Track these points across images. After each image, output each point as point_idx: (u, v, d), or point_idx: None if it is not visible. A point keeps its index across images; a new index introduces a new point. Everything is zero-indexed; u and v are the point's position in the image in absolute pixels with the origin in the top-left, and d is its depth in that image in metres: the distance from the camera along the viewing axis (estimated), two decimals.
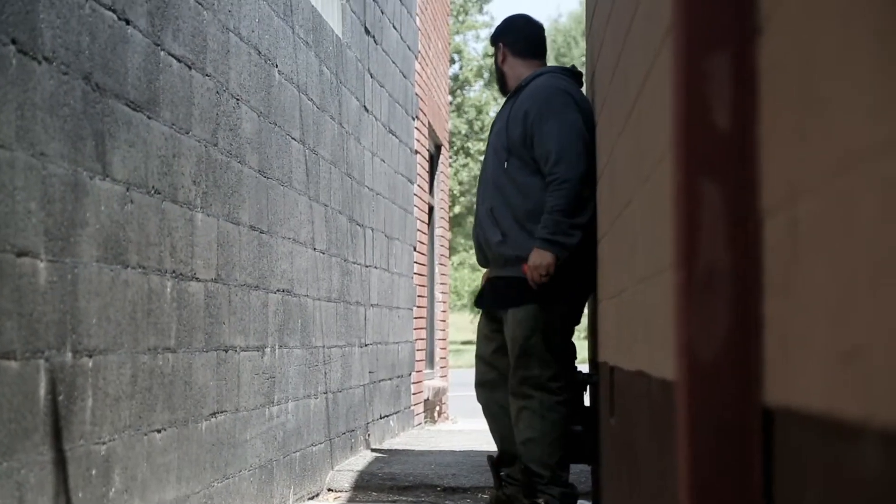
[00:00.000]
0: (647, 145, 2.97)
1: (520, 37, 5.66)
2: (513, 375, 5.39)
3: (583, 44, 49.80)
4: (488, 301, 5.53)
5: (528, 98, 5.42)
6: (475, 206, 5.64)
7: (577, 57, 51.50)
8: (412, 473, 6.85)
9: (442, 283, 12.53)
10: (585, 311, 5.64)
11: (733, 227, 1.77)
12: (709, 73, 1.79)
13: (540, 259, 5.21)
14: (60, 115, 3.24)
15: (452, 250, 41.27)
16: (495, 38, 5.75)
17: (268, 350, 5.42)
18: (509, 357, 5.42)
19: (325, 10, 6.90)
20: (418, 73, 10.42)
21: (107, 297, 3.55)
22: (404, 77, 9.67)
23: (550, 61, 53.45)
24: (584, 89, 5.70)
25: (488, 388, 5.60)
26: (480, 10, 45.01)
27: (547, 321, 5.30)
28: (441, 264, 12.46)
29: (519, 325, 5.34)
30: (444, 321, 12.65)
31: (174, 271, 4.14)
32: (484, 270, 5.69)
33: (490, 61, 41.18)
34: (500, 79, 5.76)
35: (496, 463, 5.59)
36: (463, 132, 40.30)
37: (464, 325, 46.44)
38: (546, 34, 5.87)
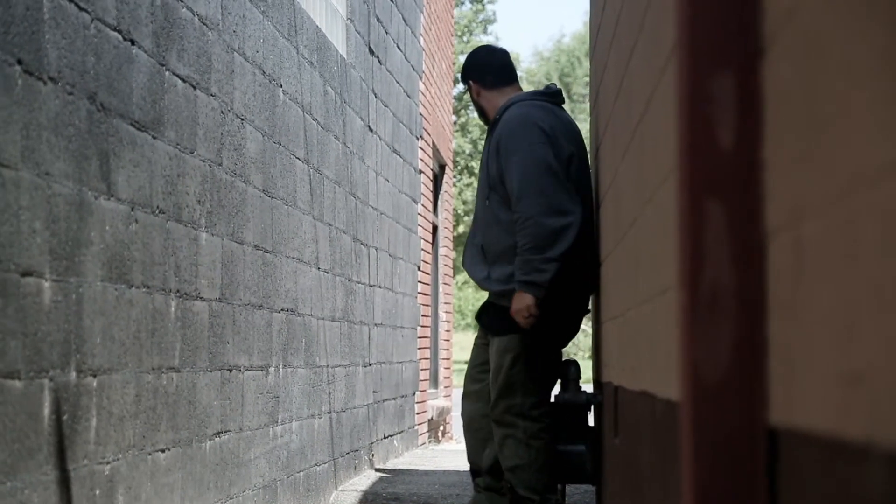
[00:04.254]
0: (652, 166, 2.97)
1: (486, 69, 5.67)
2: (495, 404, 5.43)
3: (586, 64, 49.86)
4: (481, 320, 5.59)
5: (500, 132, 5.44)
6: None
7: (580, 77, 51.54)
8: (416, 493, 6.83)
9: (446, 303, 12.53)
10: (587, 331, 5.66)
11: (737, 247, 1.77)
12: (713, 94, 1.79)
13: (520, 303, 5.24)
14: (65, 134, 3.24)
15: (456, 269, 41.26)
16: (464, 76, 5.76)
17: (272, 369, 5.42)
18: (490, 385, 5.47)
19: (329, 31, 6.92)
20: (422, 93, 10.43)
21: (111, 316, 3.55)
22: (408, 97, 9.69)
23: (555, 80, 53.52)
24: (580, 102, 5.71)
25: (472, 399, 5.64)
26: (485, 31, 45.08)
27: (528, 350, 5.34)
28: (445, 284, 12.46)
29: (502, 355, 5.39)
30: (447, 341, 12.64)
31: (178, 291, 4.15)
32: None
33: None
34: (482, 113, 5.77)
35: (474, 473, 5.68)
36: (467, 151, 40.34)
37: (468, 345, 46.37)
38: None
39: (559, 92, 5.64)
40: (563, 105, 5.65)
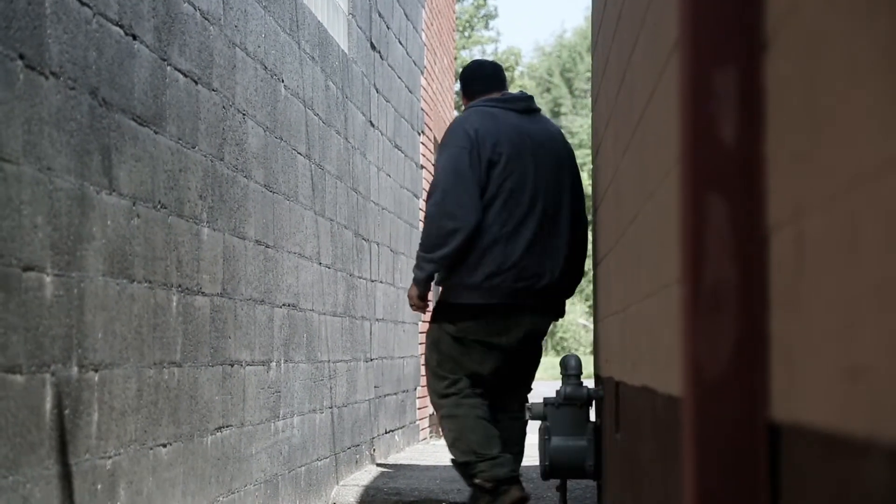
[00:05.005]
0: (653, 161, 2.97)
1: (470, 81, 5.87)
2: (430, 391, 5.77)
3: (588, 59, 49.85)
4: None
5: None
6: None
7: (582, 72, 51.51)
8: (417, 488, 6.84)
9: None
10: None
11: (739, 242, 1.77)
12: (715, 90, 1.79)
13: (409, 291, 5.74)
14: (67, 129, 3.25)
15: None
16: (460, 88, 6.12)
17: (273, 364, 5.42)
18: None
19: (331, 26, 6.92)
20: (424, 89, 10.43)
21: (113, 311, 3.55)
22: (410, 92, 9.69)
23: (556, 77, 53.37)
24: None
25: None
26: (486, 26, 45.08)
27: (441, 338, 5.63)
28: None
29: (426, 343, 5.79)
30: None
31: (180, 285, 4.15)
32: None
33: None
34: None
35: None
36: None
37: None
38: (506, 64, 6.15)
39: (518, 98, 5.73)
40: (528, 110, 5.69)
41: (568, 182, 5.63)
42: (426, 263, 5.53)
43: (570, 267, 5.61)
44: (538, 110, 5.83)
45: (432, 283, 5.69)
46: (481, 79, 5.82)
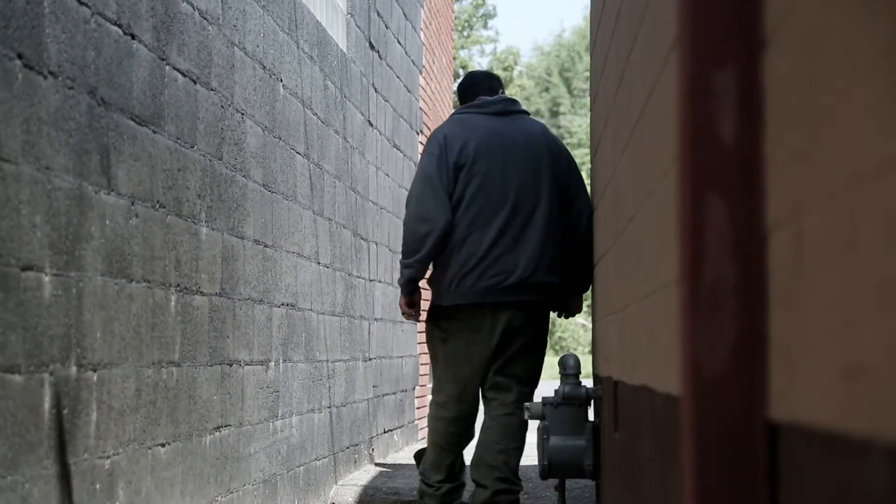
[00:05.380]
0: (652, 160, 2.97)
1: (465, 91, 6.00)
2: None
3: (587, 58, 49.85)
4: None
5: None
6: None
7: (580, 72, 51.52)
8: (416, 488, 6.83)
9: None
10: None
11: (738, 241, 1.77)
12: (713, 88, 1.79)
13: (399, 299, 5.95)
14: (66, 129, 3.24)
15: None
16: None
17: (272, 364, 5.42)
18: None
19: (329, 25, 6.92)
20: (422, 88, 10.43)
21: (111, 310, 3.55)
22: (408, 92, 9.69)
23: (555, 77, 53.34)
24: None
25: None
26: (485, 26, 45.06)
27: (431, 339, 5.83)
28: None
29: None
30: None
31: (178, 285, 4.15)
32: None
33: None
34: None
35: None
36: None
37: None
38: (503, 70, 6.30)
39: (492, 101, 5.88)
40: (505, 112, 5.75)
41: (547, 179, 5.63)
42: (405, 269, 5.69)
43: (561, 262, 5.62)
44: (519, 112, 5.86)
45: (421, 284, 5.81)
46: (473, 87, 5.95)
